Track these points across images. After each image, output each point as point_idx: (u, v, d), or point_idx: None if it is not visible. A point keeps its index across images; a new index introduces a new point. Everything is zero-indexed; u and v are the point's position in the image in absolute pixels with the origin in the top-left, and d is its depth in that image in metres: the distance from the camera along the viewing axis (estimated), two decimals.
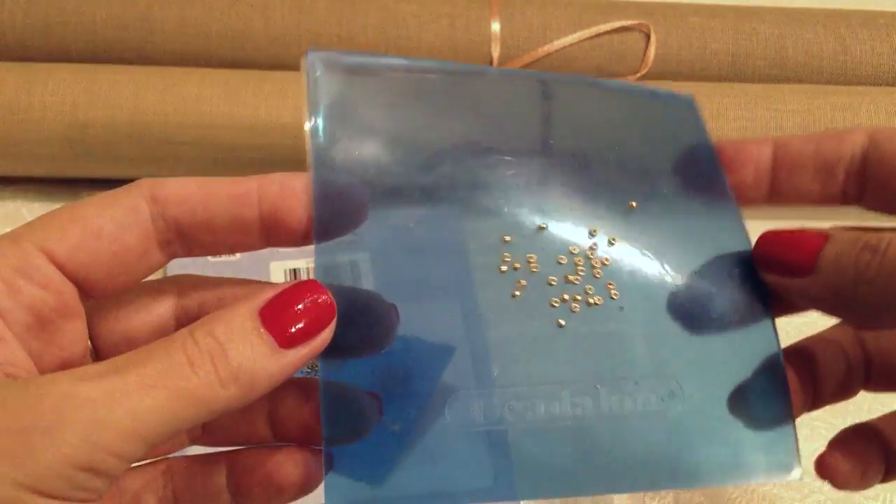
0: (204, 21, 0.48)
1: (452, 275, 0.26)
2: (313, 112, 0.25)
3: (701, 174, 0.28)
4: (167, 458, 0.26)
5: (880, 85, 0.51)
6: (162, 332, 0.25)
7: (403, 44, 0.49)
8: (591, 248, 0.26)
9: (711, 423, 0.25)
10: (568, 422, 0.25)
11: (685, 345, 0.26)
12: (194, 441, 0.26)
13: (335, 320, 0.23)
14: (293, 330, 0.22)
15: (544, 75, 0.30)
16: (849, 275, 0.24)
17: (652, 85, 0.46)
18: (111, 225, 0.22)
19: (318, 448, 0.25)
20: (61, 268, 0.22)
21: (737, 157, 0.28)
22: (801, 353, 0.28)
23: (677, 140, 0.29)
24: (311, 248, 0.24)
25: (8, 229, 0.23)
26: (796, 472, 0.26)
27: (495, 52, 0.49)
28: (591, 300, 0.26)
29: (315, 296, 0.22)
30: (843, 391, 0.29)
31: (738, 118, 0.47)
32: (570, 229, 0.26)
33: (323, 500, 0.24)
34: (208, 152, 0.44)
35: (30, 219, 0.24)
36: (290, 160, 0.45)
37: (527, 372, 0.25)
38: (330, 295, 0.22)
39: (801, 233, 0.26)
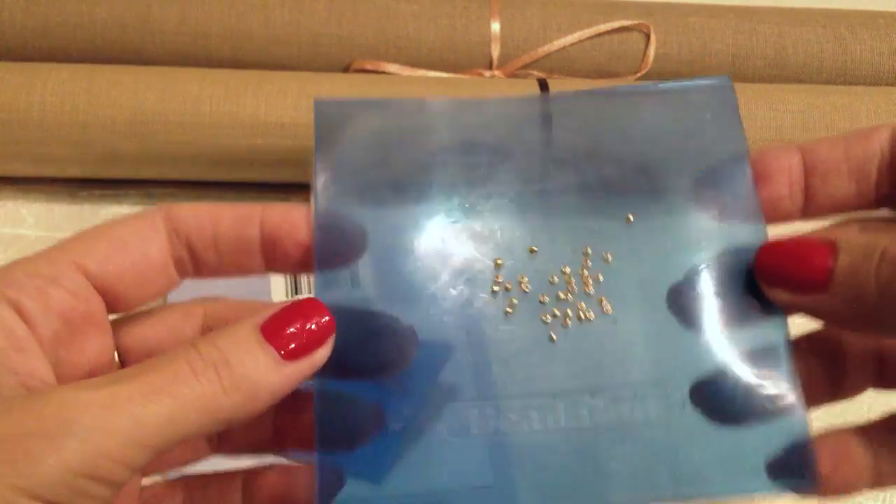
0: (204, 21, 0.48)
1: (451, 274, 0.26)
2: (317, 151, 0.27)
3: (728, 188, 0.26)
4: (184, 475, 0.26)
5: (880, 85, 0.51)
6: None
7: (403, 44, 0.49)
8: (584, 267, 0.26)
9: (715, 430, 0.25)
10: (564, 432, 0.25)
11: (687, 350, 0.25)
12: (214, 451, 0.27)
13: (333, 336, 0.23)
14: (293, 345, 0.22)
15: (547, 97, 0.29)
16: (870, 292, 0.22)
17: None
18: (135, 238, 0.24)
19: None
20: (90, 279, 0.23)
21: (768, 170, 0.26)
22: (826, 341, 0.26)
23: (702, 146, 0.27)
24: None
25: (8, 229, 0.23)
26: (808, 483, 0.24)
27: (495, 52, 0.49)
28: (582, 315, 0.26)
29: (314, 312, 0.23)
30: (860, 387, 0.27)
31: None
32: (561, 250, 0.26)
33: None
34: (208, 152, 0.45)
35: (30, 219, 0.25)
36: (290, 160, 0.45)
37: (522, 384, 0.25)
38: (328, 311, 0.23)
39: (805, 243, 0.23)
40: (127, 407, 0.20)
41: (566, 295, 0.26)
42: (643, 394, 0.25)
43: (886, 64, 0.51)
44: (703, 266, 0.26)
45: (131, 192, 0.47)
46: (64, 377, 0.23)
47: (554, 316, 0.26)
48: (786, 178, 0.25)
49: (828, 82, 0.51)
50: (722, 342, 0.25)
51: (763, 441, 0.24)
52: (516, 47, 0.50)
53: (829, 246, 0.23)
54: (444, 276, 0.26)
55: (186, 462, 0.27)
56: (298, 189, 0.48)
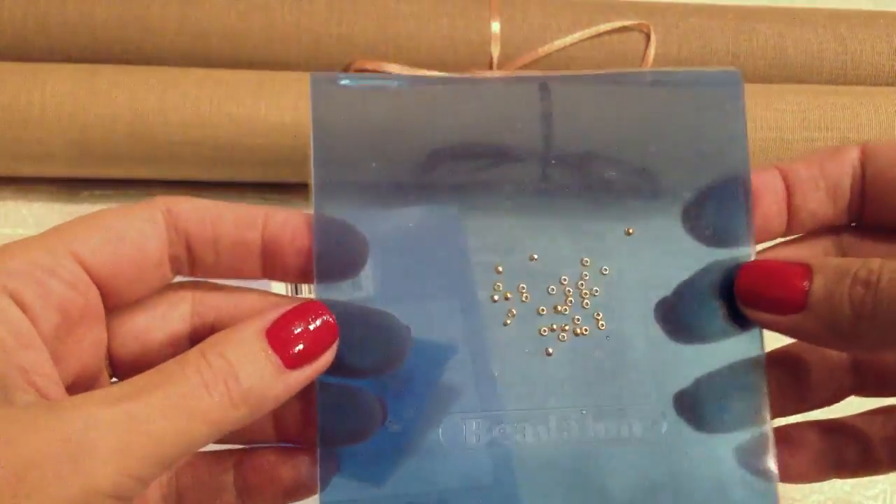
0: (204, 21, 0.48)
1: (451, 277, 0.26)
2: (313, 140, 0.25)
3: (725, 205, 0.26)
4: None
5: (880, 85, 0.51)
6: (176, 339, 0.26)
7: (403, 43, 0.49)
8: (581, 279, 0.26)
9: (697, 444, 0.26)
10: (556, 444, 0.26)
11: (672, 368, 0.26)
12: None
13: (337, 341, 0.24)
14: (297, 350, 0.22)
15: (549, 77, 0.27)
16: (845, 312, 0.23)
17: None
18: (133, 231, 0.24)
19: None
20: (87, 270, 0.23)
21: (758, 191, 0.27)
22: (788, 358, 0.28)
23: (706, 154, 0.27)
24: None
25: (8, 229, 0.23)
26: (773, 485, 0.26)
27: (495, 52, 0.49)
28: (578, 330, 0.26)
29: (319, 317, 0.23)
30: (833, 396, 0.28)
31: None
32: (561, 259, 0.26)
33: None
34: (208, 152, 0.44)
35: (30, 219, 0.24)
36: (290, 160, 0.45)
37: (517, 397, 0.26)
38: (332, 316, 0.23)
39: (782, 266, 0.25)
40: (148, 425, 0.20)
41: (563, 308, 0.26)
42: (628, 411, 0.26)
43: (886, 64, 0.51)
44: (692, 280, 0.26)
45: (131, 192, 0.47)
46: (59, 371, 0.23)
47: (551, 329, 0.26)
48: (773, 198, 0.26)
49: (828, 82, 0.51)
50: (703, 356, 0.26)
51: (736, 449, 0.26)
52: (516, 47, 0.50)
53: (804, 268, 0.24)
54: (444, 280, 0.26)
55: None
56: (299, 189, 0.48)
